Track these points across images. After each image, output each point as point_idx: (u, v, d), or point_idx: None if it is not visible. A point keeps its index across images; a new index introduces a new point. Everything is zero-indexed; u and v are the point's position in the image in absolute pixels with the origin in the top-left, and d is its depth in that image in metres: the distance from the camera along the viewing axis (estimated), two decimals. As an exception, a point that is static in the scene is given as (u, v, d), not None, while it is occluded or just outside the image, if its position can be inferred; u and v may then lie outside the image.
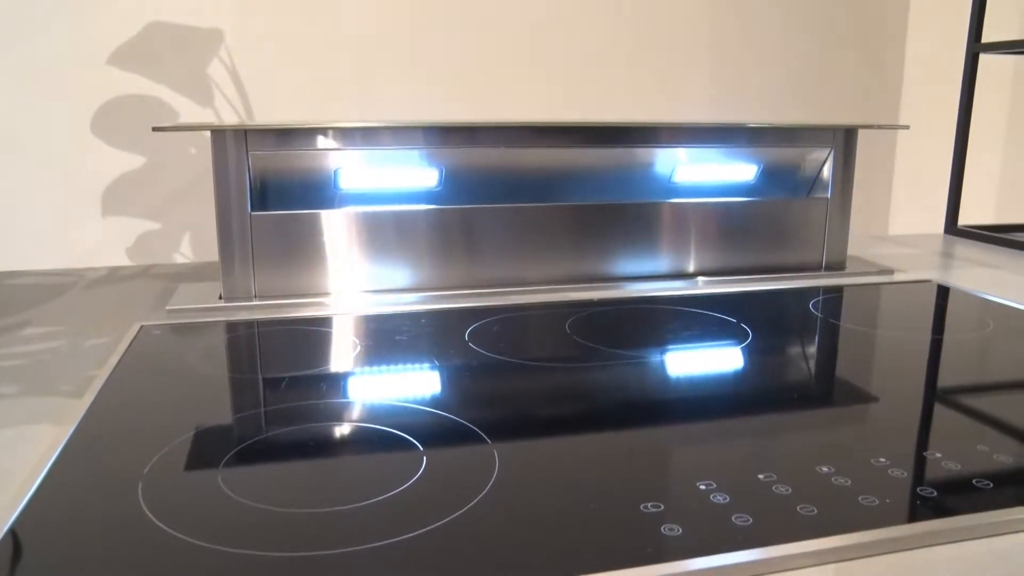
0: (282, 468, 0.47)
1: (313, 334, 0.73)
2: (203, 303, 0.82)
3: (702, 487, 0.43)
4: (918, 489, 0.43)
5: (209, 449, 0.48)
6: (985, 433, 0.51)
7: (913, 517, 0.40)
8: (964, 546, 0.39)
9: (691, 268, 0.96)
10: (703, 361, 0.66)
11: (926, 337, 0.73)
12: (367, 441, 0.50)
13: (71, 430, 0.51)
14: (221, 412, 0.55)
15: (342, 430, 0.52)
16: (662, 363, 0.65)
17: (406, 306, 0.83)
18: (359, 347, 0.69)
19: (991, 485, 0.43)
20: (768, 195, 1.00)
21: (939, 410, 0.55)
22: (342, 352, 0.68)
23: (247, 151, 0.81)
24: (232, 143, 0.80)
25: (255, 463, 0.47)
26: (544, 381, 0.61)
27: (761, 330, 0.74)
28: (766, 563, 0.37)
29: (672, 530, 0.39)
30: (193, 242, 1.59)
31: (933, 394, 0.58)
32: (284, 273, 0.84)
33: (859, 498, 0.42)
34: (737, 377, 0.62)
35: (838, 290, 0.91)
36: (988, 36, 1.25)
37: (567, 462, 0.47)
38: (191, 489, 0.43)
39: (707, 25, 1.81)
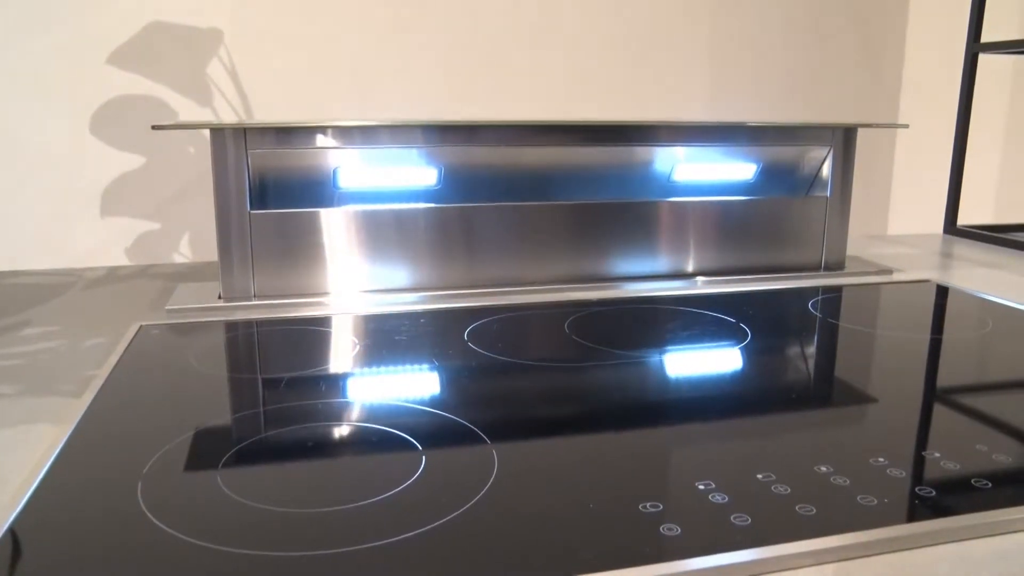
0: (281, 468, 0.47)
1: (312, 334, 0.73)
2: (202, 303, 0.82)
3: (701, 487, 0.43)
4: (917, 489, 0.43)
5: (208, 449, 0.48)
6: (984, 433, 0.51)
7: (912, 517, 0.40)
8: (963, 546, 0.39)
9: (690, 268, 0.96)
10: (702, 361, 0.66)
11: (925, 337, 0.73)
12: (366, 441, 0.50)
13: (70, 430, 0.51)
14: (220, 412, 0.55)
15: (341, 430, 0.52)
16: (661, 363, 0.65)
17: (405, 306, 0.83)
18: (358, 347, 0.69)
19: (990, 485, 0.43)
20: (767, 194, 1.00)
21: (938, 410, 0.55)
22: (341, 352, 0.68)
23: (246, 149, 0.81)
24: (231, 141, 0.80)
25: (254, 463, 0.47)
26: (543, 381, 0.61)
27: (760, 330, 0.74)
28: (765, 563, 0.37)
29: (671, 530, 0.39)
30: (192, 242, 1.59)
31: (932, 394, 0.59)
32: (283, 273, 0.84)
33: (858, 498, 0.42)
34: (736, 377, 0.62)
35: (837, 290, 0.91)
36: (987, 36, 1.26)
37: (566, 462, 0.47)
38: (190, 489, 0.43)
39: (707, 24, 1.81)
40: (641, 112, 1.80)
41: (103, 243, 1.55)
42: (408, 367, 0.64)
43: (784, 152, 1.00)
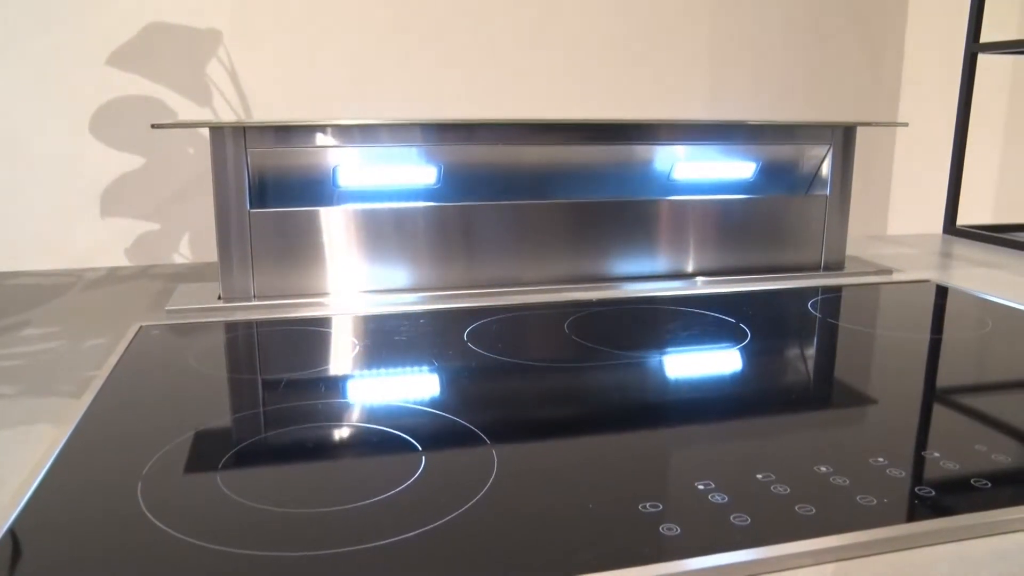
0: (281, 468, 0.47)
1: (312, 334, 0.73)
2: (202, 303, 0.82)
3: (700, 487, 0.43)
4: (916, 489, 0.43)
5: (208, 449, 0.48)
6: (983, 433, 0.51)
7: (911, 517, 0.40)
8: (962, 545, 0.39)
9: (690, 268, 0.96)
10: (702, 361, 0.66)
11: (925, 337, 0.73)
12: (366, 441, 0.50)
13: (70, 430, 0.51)
14: (220, 412, 0.55)
15: (341, 430, 0.52)
16: (661, 363, 0.65)
17: (405, 306, 0.83)
18: (358, 347, 0.69)
19: (989, 485, 0.43)
20: (767, 193, 1.00)
21: (937, 410, 0.55)
22: (341, 352, 0.68)
23: (246, 148, 0.81)
24: (231, 140, 0.80)
25: (254, 463, 0.47)
26: (542, 381, 0.61)
27: (760, 330, 0.74)
28: (764, 563, 0.37)
29: (671, 530, 0.39)
30: (192, 242, 1.59)
31: (931, 394, 0.59)
32: (283, 273, 0.84)
33: (857, 498, 0.42)
34: (735, 377, 0.62)
35: (837, 290, 0.91)
36: (987, 36, 1.26)
37: (565, 462, 0.47)
38: (190, 489, 0.43)
39: (707, 24, 1.81)
40: (641, 112, 1.80)
41: (103, 244, 1.55)
42: (408, 367, 0.64)
43: (783, 151, 1.00)
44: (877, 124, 1.01)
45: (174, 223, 1.58)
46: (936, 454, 0.47)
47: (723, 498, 0.42)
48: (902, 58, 1.94)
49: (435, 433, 0.51)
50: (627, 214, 0.92)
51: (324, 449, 0.49)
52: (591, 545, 0.37)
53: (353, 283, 0.86)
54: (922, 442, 0.50)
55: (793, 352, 0.70)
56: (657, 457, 0.47)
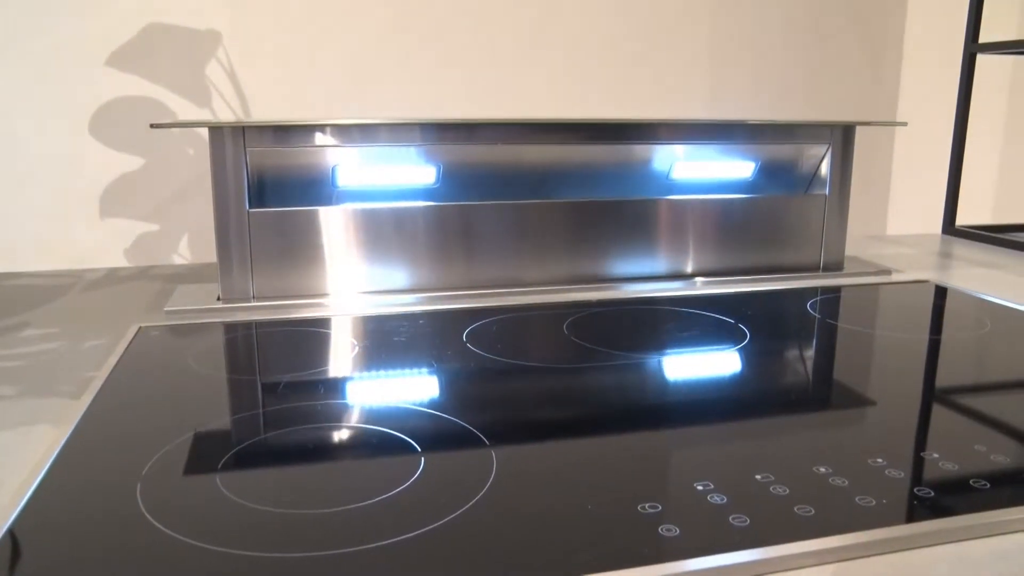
0: (280, 469, 0.47)
1: (311, 335, 0.73)
2: (201, 304, 0.82)
3: (700, 488, 0.43)
4: (915, 489, 0.43)
5: (208, 450, 0.48)
6: (982, 433, 0.51)
7: (910, 517, 0.40)
8: (961, 546, 0.39)
9: (689, 268, 0.96)
10: (701, 362, 0.66)
11: (924, 337, 0.73)
12: (365, 442, 0.50)
13: (70, 431, 0.51)
14: (219, 413, 0.55)
15: (340, 431, 0.52)
16: (660, 364, 0.65)
17: (404, 307, 0.83)
18: (357, 348, 0.69)
19: (988, 485, 0.43)
20: (766, 192, 1.00)
21: (936, 410, 0.55)
22: (340, 353, 0.68)
23: (245, 148, 0.81)
24: (230, 140, 0.80)
25: (253, 464, 0.47)
26: (542, 382, 0.61)
27: (759, 331, 0.74)
28: (764, 563, 0.37)
29: (670, 531, 0.39)
30: (192, 243, 1.59)
31: (930, 394, 0.59)
32: (282, 273, 0.84)
33: (856, 498, 0.42)
34: (735, 378, 0.62)
35: (836, 290, 0.91)
36: (986, 36, 1.26)
37: (565, 463, 0.47)
38: (189, 490, 0.43)
39: (707, 24, 1.81)
40: (641, 112, 1.80)
41: (102, 244, 1.55)
42: (407, 368, 0.64)
43: (783, 150, 1.00)
44: (876, 124, 1.01)
45: (174, 224, 1.58)
46: (935, 455, 0.47)
47: (722, 499, 0.42)
48: (901, 58, 1.94)
49: (434, 434, 0.51)
50: (627, 214, 0.92)
51: (323, 450, 0.49)
52: (590, 546, 0.38)
53: (352, 284, 0.86)
54: (921, 443, 0.50)
55: (792, 353, 0.70)
56: (656, 458, 0.47)
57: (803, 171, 1.02)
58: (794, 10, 1.88)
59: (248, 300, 0.83)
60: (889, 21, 1.95)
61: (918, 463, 0.46)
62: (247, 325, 0.76)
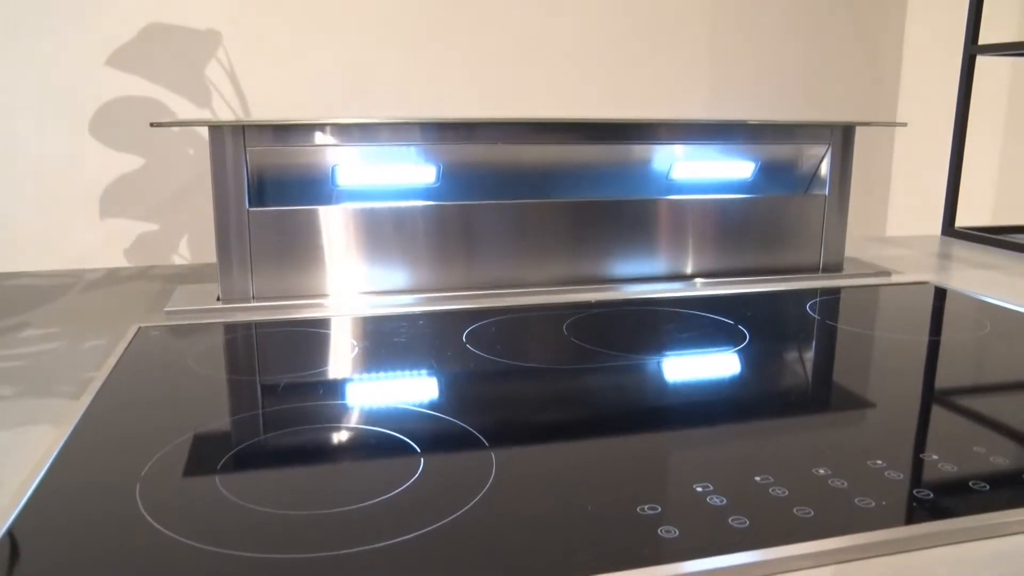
0: (280, 470, 0.47)
1: (311, 336, 0.73)
2: (201, 304, 0.82)
3: (699, 489, 0.43)
4: (914, 491, 0.43)
5: (207, 451, 0.48)
6: (982, 435, 0.51)
7: (910, 519, 0.40)
8: (960, 548, 0.39)
9: (689, 269, 0.96)
10: (700, 363, 0.66)
11: (923, 339, 0.73)
12: (364, 443, 0.50)
13: (69, 431, 0.51)
14: (219, 414, 0.55)
15: (339, 432, 0.52)
16: (659, 365, 0.65)
17: (404, 307, 0.83)
18: (357, 349, 0.69)
19: (987, 487, 0.43)
20: (766, 192, 1.00)
21: (936, 412, 0.55)
22: (340, 354, 0.68)
23: (245, 147, 0.81)
24: (230, 139, 0.80)
25: (253, 465, 0.47)
26: (541, 383, 0.61)
27: (758, 332, 0.74)
28: (763, 565, 0.37)
29: (669, 532, 0.39)
30: (191, 244, 1.59)
31: (930, 396, 0.59)
32: (282, 274, 0.84)
33: (856, 500, 0.42)
34: (734, 379, 0.62)
35: (835, 292, 0.91)
36: (985, 38, 1.26)
37: (564, 464, 0.47)
38: (189, 491, 0.43)
39: (707, 23, 1.81)
40: (641, 112, 1.80)
41: (102, 244, 1.55)
42: (407, 369, 0.64)
43: (783, 150, 1.00)
44: (876, 124, 1.01)
45: (173, 224, 1.58)
46: (934, 456, 0.47)
47: (722, 500, 0.42)
48: (901, 58, 1.94)
49: (434, 435, 0.51)
50: (626, 214, 0.92)
51: (323, 451, 0.49)
52: (590, 547, 0.38)
53: (352, 284, 0.86)
54: (920, 444, 0.50)
55: (792, 354, 0.70)
56: (656, 459, 0.47)
57: (803, 171, 1.02)
58: (794, 10, 1.88)
59: (248, 300, 0.83)
60: (889, 21, 1.95)
61: (917, 465, 0.46)
62: (247, 325, 0.76)
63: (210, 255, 0.89)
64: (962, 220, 1.31)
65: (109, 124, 1.52)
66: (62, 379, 0.62)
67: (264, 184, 0.85)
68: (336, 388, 0.60)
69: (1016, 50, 1.22)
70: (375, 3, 1.62)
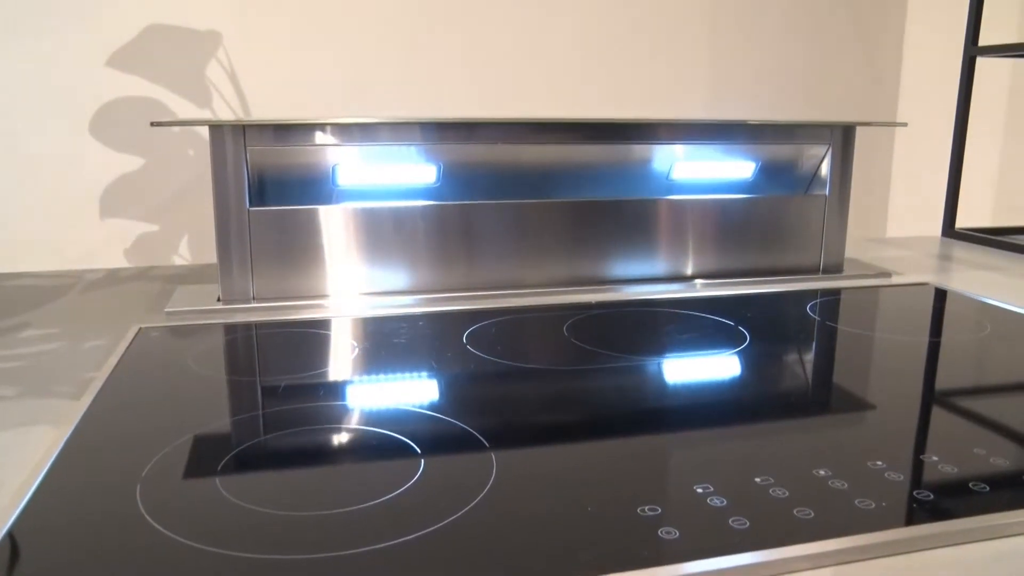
0: (280, 471, 0.47)
1: (311, 337, 0.73)
2: (201, 305, 0.82)
3: (699, 490, 0.43)
4: (915, 492, 0.43)
5: (207, 452, 0.48)
6: (982, 436, 0.51)
7: (910, 520, 0.40)
8: (961, 549, 0.39)
9: (689, 270, 0.96)
10: (701, 364, 0.66)
11: (923, 340, 0.73)
12: (365, 444, 0.50)
13: (69, 432, 0.51)
14: (219, 415, 0.55)
15: (340, 433, 0.52)
16: (660, 366, 0.65)
17: (404, 308, 0.83)
18: (357, 350, 0.69)
19: (987, 488, 0.43)
20: (766, 192, 1.00)
21: (936, 413, 0.55)
22: (340, 355, 0.68)
23: (245, 146, 0.81)
24: (230, 138, 0.80)
25: (253, 466, 0.47)
26: (541, 384, 0.61)
27: (759, 333, 0.74)
28: (763, 566, 0.37)
29: (669, 533, 0.39)
30: (192, 244, 1.59)
31: (930, 397, 0.59)
32: (282, 274, 0.84)
33: (856, 501, 0.42)
34: (734, 380, 0.62)
35: (836, 293, 0.91)
36: (986, 38, 1.26)
37: (564, 465, 0.47)
38: (189, 492, 0.43)
39: (706, 23, 1.81)
40: (641, 112, 1.80)
41: (102, 245, 1.55)
42: (407, 370, 0.64)
43: (783, 150, 1.00)
44: (876, 124, 1.01)
45: (174, 225, 1.58)
46: (935, 458, 0.47)
47: (722, 501, 0.42)
48: (901, 58, 1.94)
49: (434, 436, 0.51)
50: (626, 214, 0.92)
51: (323, 452, 0.49)
52: (590, 548, 0.38)
53: (352, 285, 0.86)
54: (921, 445, 0.50)
55: (792, 355, 0.70)
56: (656, 460, 0.47)
57: (803, 171, 1.02)
58: (794, 10, 1.88)
59: (248, 301, 0.83)
60: (889, 21, 1.95)
61: (918, 466, 0.46)
62: (247, 326, 0.76)
63: (210, 256, 0.89)
64: (962, 221, 1.31)
65: (109, 124, 1.52)
66: (62, 379, 0.62)
67: (264, 184, 0.85)
68: (336, 389, 0.60)
69: (1016, 51, 1.22)
70: (375, 3, 1.62)
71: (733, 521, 0.40)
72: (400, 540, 0.38)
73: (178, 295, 0.86)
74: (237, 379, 0.63)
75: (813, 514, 0.41)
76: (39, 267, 1.11)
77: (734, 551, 0.37)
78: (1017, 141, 1.93)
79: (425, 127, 0.87)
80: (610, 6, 1.75)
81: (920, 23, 1.93)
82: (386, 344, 0.70)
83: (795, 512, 0.41)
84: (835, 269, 1.00)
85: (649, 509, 0.41)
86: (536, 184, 0.94)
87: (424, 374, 0.63)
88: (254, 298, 0.84)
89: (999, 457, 0.47)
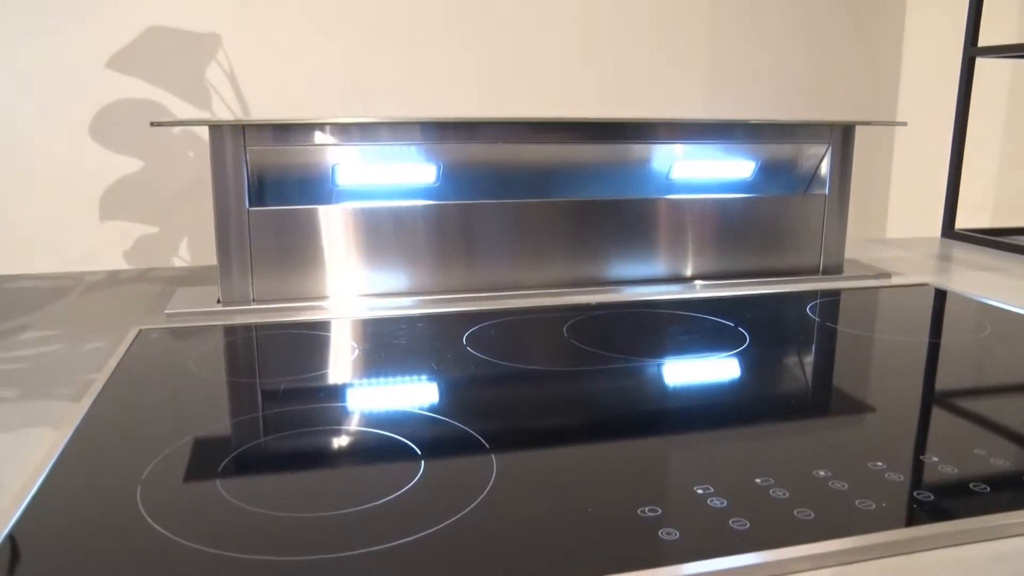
0: (280, 473, 0.47)
1: (311, 338, 0.73)
2: (201, 307, 0.82)
3: (700, 491, 0.43)
4: (915, 493, 0.43)
5: (208, 453, 0.48)
6: (982, 437, 0.51)
7: (910, 521, 0.40)
8: (961, 550, 0.39)
9: (689, 271, 0.96)
10: (701, 366, 0.66)
11: (923, 341, 0.73)
12: (365, 445, 0.50)
13: (69, 434, 0.51)
14: (219, 416, 0.55)
15: (340, 435, 0.52)
16: (660, 367, 0.65)
17: (403, 310, 0.83)
18: (357, 351, 0.69)
19: (988, 489, 0.43)
20: (766, 192, 1.00)
21: (936, 414, 0.55)
22: (340, 356, 0.68)
23: (245, 146, 0.81)
24: (230, 138, 0.80)
25: (254, 467, 0.47)
26: (541, 385, 0.61)
27: (758, 334, 0.74)
28: (763, 567, 0.37)
29: (670, 534, 0.39)
30: (191, 246, 1.59)
31: (930, 398, 0.59)
32: (282, 276, 0.84)
33: (856, 502, 0.42)
34: (734, 381, 0.62)
35: (835, 293, 0.91)
36: (985, 38, 1.26)
37: (564, 466, 0.47)
38: (189, 493, 0.43)
39: (706, 23, 1.81)
40: (641, 111, 1.80)
41: (102, 247, 1.55)
42: (407, 372, 0.64)
43: (783, 150, 1.00)
44: (876, 123, 1.01)
45: (173, 226, 1.58)
46: (935, 458, 0.47)
47: (722, 502, 0.42)
48: (901, 58, 1.94)
49: (434, 437, 0.51)
50: (626, 213, 0.92)
51: (323, 453, 0.49)
52: (590, 549, 0.38)
53: (352, 286, 0.86)
54: (921, 446, 0.50)
55: (792, 356, 0.70)
56: (656, 461, 0.47)
57: (803, 171, 1.02)
58: (794, 10, 1.88)
59: (248, 303, 0.83)
60: (889, 21, 1.95)
61: (918, 467, 0.46)
62: (247, 328, 0.76)
63: (210, 258, 0.89)
64: (962, 222, 1.31)
65: (109, 125, 1.52)
66: (63, 381, 0.62)
67: (264, 184, 0.85)
68: (336, 391, 0.60)
69: (1015, 52, 1.22)
70: (375, 3, 1.62)
71: (733, 522, 0.40)
72: (400, 542, 0.38)
73: (178, 297, 0.87)
74: (237, 381, 0.63)
75: (813, 515, 0.41)
76: (39, 269, 1.11)
77: (734, 552, 0.37)
78: (1017, 141, 1.93)
79: (425, 127, 0.87)
80: (610, 6, 1.75)
81: (920, 23, 1.93)
82: (386, 346, 0.70)
83: (795, 513, 0.41)
84: (835, 270, 1.00)
85: (649, 510, 0.41)
86: (536, 184, 0.94)
87: (424, 376, 0.63)
88: (254, 300, 0.84)
89: (999, 458, 0.47)
